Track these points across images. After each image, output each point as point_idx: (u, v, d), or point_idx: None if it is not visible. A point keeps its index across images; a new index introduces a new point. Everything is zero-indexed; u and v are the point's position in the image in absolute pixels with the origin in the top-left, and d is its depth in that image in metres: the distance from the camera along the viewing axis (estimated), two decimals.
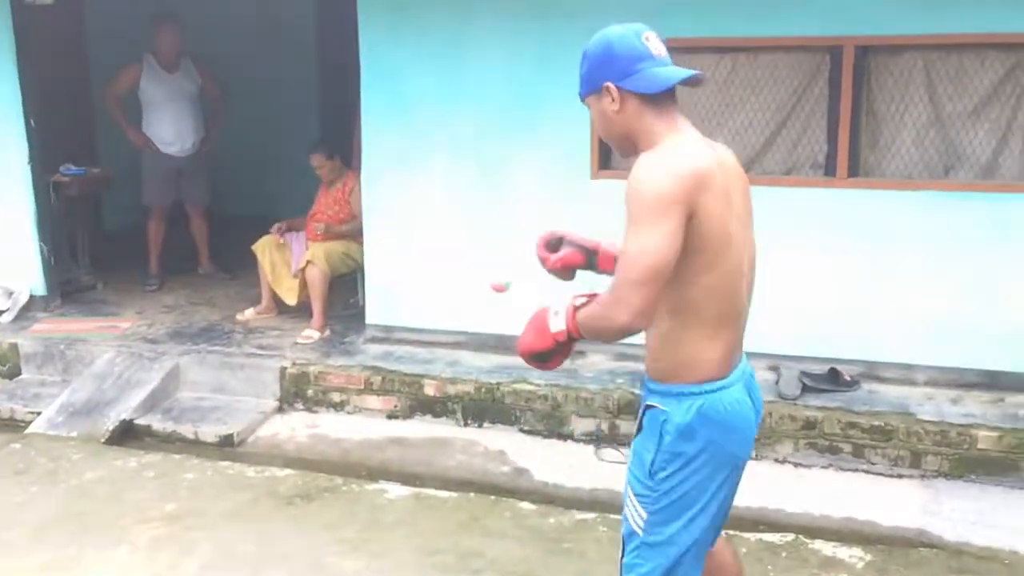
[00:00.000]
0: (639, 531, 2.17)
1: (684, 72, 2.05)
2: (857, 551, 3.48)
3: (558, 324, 2.13)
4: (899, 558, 3.46)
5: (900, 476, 4.10)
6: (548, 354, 2.18)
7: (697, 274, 2.01)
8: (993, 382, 4.38)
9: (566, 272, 2.42)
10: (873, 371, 4.52)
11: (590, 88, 2.11)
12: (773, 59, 4.50)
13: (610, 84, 2.06)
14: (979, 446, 4.01)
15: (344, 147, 5.81)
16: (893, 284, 4.47)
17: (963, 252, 4.34)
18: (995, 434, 4.01)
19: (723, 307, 2.07)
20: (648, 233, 1.91)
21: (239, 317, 5.84)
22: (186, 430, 4.69)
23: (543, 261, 2.43)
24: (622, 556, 2.22)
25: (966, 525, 3.70)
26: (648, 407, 2.15)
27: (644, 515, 2.15)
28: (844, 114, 4.40)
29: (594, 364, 4.81)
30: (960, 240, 4.34)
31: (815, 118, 4.49)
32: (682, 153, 2.00)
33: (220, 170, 7.09)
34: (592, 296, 2.10)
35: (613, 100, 2.06)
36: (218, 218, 6.98)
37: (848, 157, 4.44)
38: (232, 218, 7.36)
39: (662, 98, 2.05)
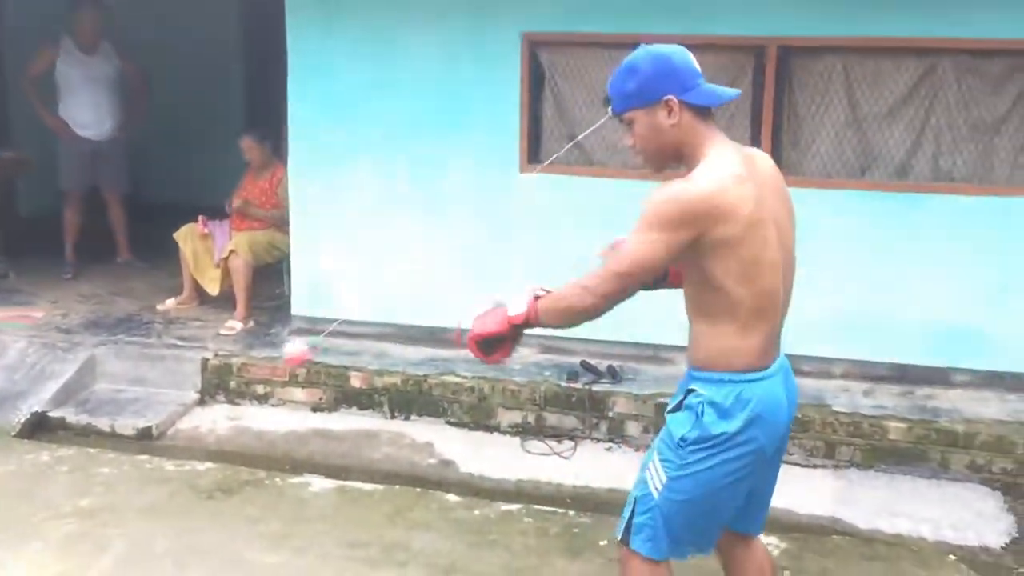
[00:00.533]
0: (655, 493, 2.30)
1: (734, 91, 2.34)
2: (774, 539, 3.58)
3: (518, 308, 2.29)
4: (814, 546, 3.57)
5: (815, 466, 4.22)
6: (497, 340, 2.34)
7: (728, 286, 2.17)
8: (903, 375, 4.55)
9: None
10: (794, 364, 4.54)
11: (644, 101, 2.19)
12: (701, 58, 4.50)
13: (672, 97, 2.17)
14: (890, 437, 4.16)
15: (274, 135, 5.70)
16: (811, 280, 4.56)
17: (876, 250, 4.49)
18: (904, 425, 4.16)
19: (758, 307, 2.20)
20: (647, 239, 2.14)
21: (159, 307, 5.70)
22: (102, 423, 4.57)
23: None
24: (632, 516, 2.34)
25: (877, 514, 3.83)
26: (690, 391, 2.28)
27: (664, 479, 2.29)
28: (767, 113, 4.50)
29: (521, 357, 4.83)
30: (873, 238, 4.48)
31: (739, 117, 4.58)
32: (713, 177, 2.13)
33: (140, 156, 6.91)
34: (548, 292, 2.31)
35: (672, 113, 2.18)
36: (137, 205, 6.81)
37: (771, 155, 4.52)
38: (152, 205, 7.17)
39: (707, 113, 2.23)
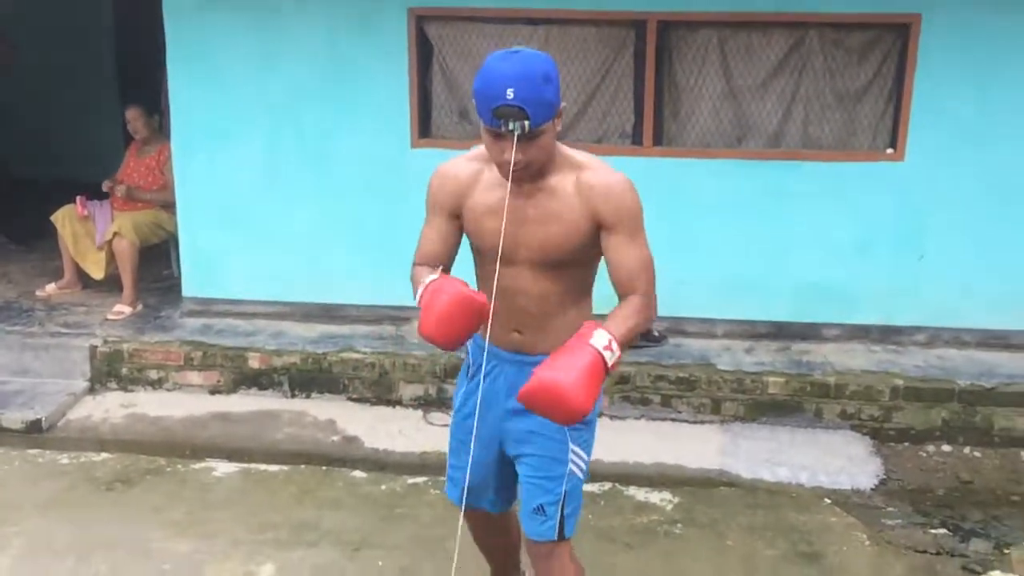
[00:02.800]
0: (582, 474, 2.38)
1: None
2: (667, 494, 3.80)
3: (612, 357, 2.04)
4: (703, 497, 3.81)
5: (703, 422, 4.48)
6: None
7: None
8: (781, 332, 4.85)
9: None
10: (679, 326, 4.88)
11: (556, 110, 2.10)
12: (583, 32, 4.68)
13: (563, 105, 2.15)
14: (769, 391, 4.44)
15: (155, 110, 5.53)
16: (694, 245, 4.82)
17: (752, 215, 4.74)
18: (782, 379, 4.45)
19: None
20: (646, 240, 2.21)
21: (39, 293, 5.49)
22: None
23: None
24: (562, 512, 2.34)
25: (759, 464, 4.11)
26: None
27: (585, 456, 2.38)
28: (649, 86, 4.66)
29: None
30: (750, 204, 4.73)
31: (623, 90, 4.73)
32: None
33: (6, 131, 6.57)
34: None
35: (561, 119, 2.16)
36: (5, 181, 6.48)
37: (653, 127, 4.72)
38: (23, 181, 6.85)
39: None
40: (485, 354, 2.35)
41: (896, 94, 4.57)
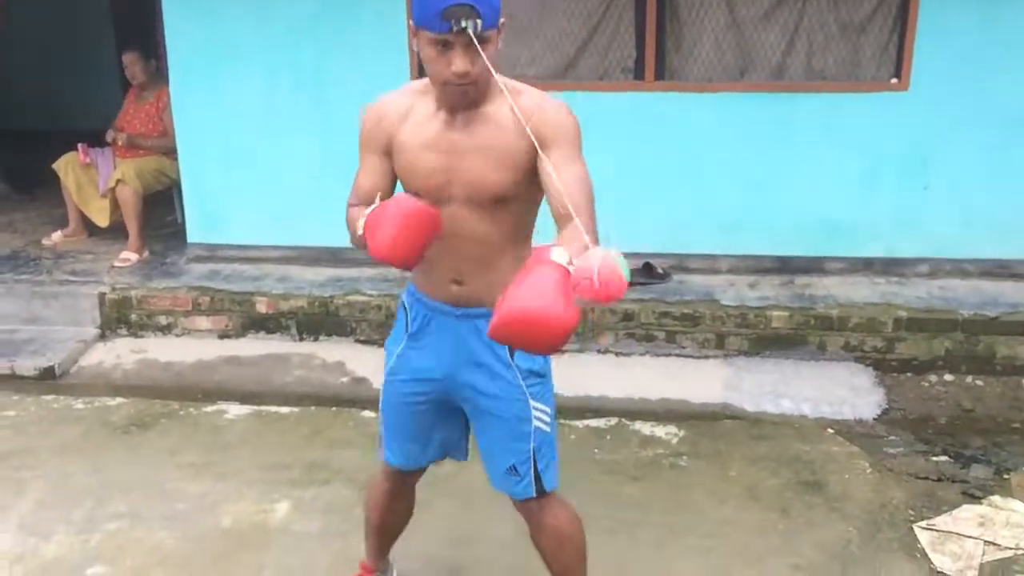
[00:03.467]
0: (549, 428, 2.29)
1: None
2: (672, 428, 3.87)
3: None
4: (707, 431, 3.87)
5: (707, 357, 4.52)
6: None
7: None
8: (784, 266, 4.86)
9: None
10: (682, 263, 4.89)
11: (499, 18, 1.96)
12: None
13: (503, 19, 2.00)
14: (773, 325, 4.47)
15: (153, 54, 5.48)
16: (696, 181, 4.81)
17: (755, 149, 4.71)
18: (786, 313, 4.47)
19: None
20: (585, 165, 2.04)
21: (45, 242, 5.53)
22: (1, 365, 4.47)
23: None
24: (535, 469, 2.27)
25: (763, 396, 4.16)
26: None
27: (549, 410, 2.29)
28: (650, 20, 4.60)
29: None
30: (753, 138, 4.70)
31: (624, 24, 4.67)
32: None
33: (2, 82, 6.53)
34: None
35: (501, 32, 2.00)
36: (5, 132, 6.46)
37: (655, 61, 4.67)
38: (22, 132, 6.83)
39: None
40: (425, 308, 2.25)
41: (900, 23, 4.50)
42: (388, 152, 2.17)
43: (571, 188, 1.93)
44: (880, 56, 4.60)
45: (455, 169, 2.08)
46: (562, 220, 1.93)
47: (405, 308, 2.34)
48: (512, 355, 2.22)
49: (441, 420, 2.38)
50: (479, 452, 2.40)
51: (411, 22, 1.98)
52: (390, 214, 1.98)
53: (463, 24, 1.88)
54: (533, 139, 1.98)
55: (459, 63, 1.94)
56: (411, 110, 2.13)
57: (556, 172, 1.93)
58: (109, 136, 5.37)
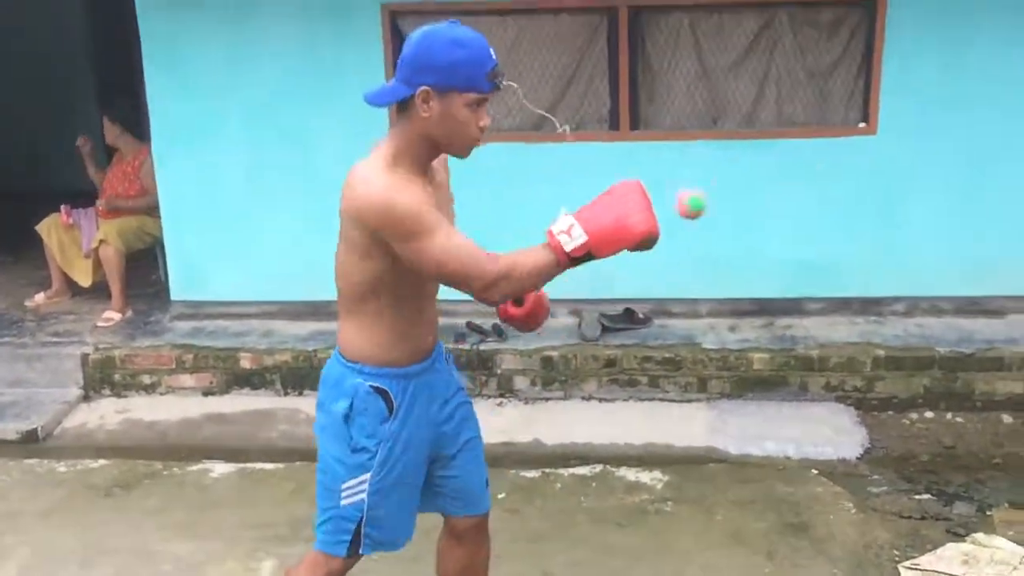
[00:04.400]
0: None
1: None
2: (657, 473, 3.88)
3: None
4: (692, 475, 3.88)
5: (690, 401, 4.55)
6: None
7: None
8: (764, 308, 4.92)
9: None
10: (663, 307, 4.95)
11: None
12: (556, 21, 4.73)
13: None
14: (754, 367, 4.52)
15: (133, 115, 5.54)
16: (675, 227, 4.84)
17: (731, 194, 4.78)
18: (767, 355, 4.52)
19: None
20: None
21: (28, 303, 5.53)
22: None
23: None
24: None
25: (746, 439, 4.19)
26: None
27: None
28: (623, 71, 4.71)
29: None
30: (728, 183, 4.77)
31: (598, 76, 4.78)
32: None
33: None
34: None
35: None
36: None
37: (629, 111, 4.77)
38: (5, 193, 6.86)
39: None
40: (404, 380, 2.22)
41: (866, 68, 4.63)
42: None
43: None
44: (848, 101, 4.72)
45: None
46: None
47: (379, 393, 2.20)
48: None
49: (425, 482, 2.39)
50: (451, 487, 2.42)
51: (428, 89, 1.97)
52: (624, 196, 2.04)
53: (502, 80, 2.00)
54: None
55: (487, 117, 2.05)
56: (410, 180, 2.06)
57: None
58: (100, 205, 5.40)
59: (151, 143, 5.06)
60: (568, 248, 1.99)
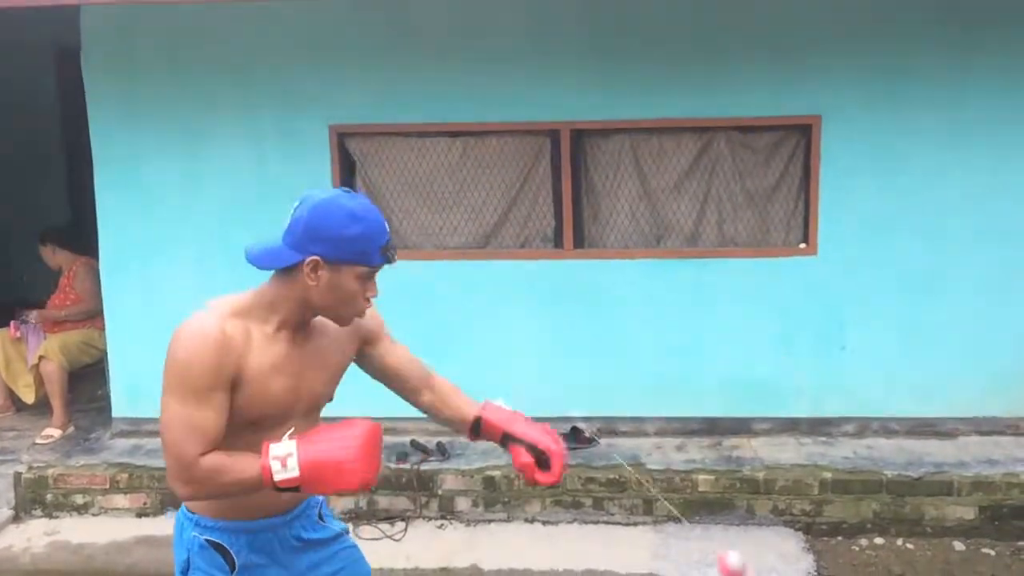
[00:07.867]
0: None
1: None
2: None
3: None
4: None
5: (635, 524, 4.42)
6: None
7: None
8: (712, 427, 4.85)
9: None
10: (611, 426, 4.88)
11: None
12: (500, 142, 4.82)
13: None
14: (700, 489, 4.41)
15: (71, 231, 5.60)
16: (620, 344, 4.86)
17: (675, 313, 4.80)
18: (712, 477, 4.43)
19: None
20: None
21: None
22: None
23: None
24: None
25: (690, 565, 4.05)
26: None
27: None
28: (566, 191, 4.77)
29: None
30: (672, 302, 4.79)
31: (542, 195, 4.84)
32: None
33: None
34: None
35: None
36: None
37: (573, 230, 4.81)
38: None
39: None
40: (246, 535, 2.09)
41: (804, 191, 4.70)
42: (232, 386, 1.94)
43: (413, 358, 2.28)
44: (788, 222, 4.77)
45: (301, 388, 2.05)
46: (422, 383, 2.28)
47: (215, 548, 2.08)
48: (321, 515, 2.25)
49: None
50: None
51: (318, 259, 1.92)
52: (351, 441, 1.88)
53: (394, 254, 1.99)
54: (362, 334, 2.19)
55: (375, 289, 2.01)
56: (249, 335, 1.97)
57: (396, 353, 2.26)
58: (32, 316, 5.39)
59: (98, 257, 5.07)
60: (277, 478, 1.86)
